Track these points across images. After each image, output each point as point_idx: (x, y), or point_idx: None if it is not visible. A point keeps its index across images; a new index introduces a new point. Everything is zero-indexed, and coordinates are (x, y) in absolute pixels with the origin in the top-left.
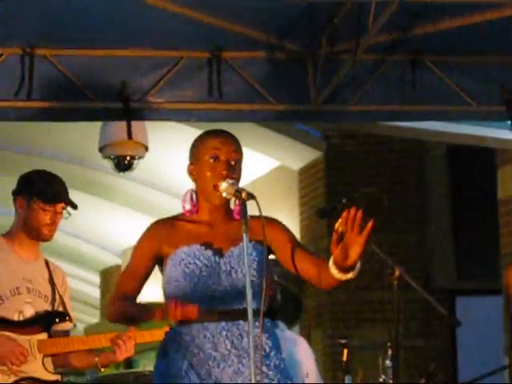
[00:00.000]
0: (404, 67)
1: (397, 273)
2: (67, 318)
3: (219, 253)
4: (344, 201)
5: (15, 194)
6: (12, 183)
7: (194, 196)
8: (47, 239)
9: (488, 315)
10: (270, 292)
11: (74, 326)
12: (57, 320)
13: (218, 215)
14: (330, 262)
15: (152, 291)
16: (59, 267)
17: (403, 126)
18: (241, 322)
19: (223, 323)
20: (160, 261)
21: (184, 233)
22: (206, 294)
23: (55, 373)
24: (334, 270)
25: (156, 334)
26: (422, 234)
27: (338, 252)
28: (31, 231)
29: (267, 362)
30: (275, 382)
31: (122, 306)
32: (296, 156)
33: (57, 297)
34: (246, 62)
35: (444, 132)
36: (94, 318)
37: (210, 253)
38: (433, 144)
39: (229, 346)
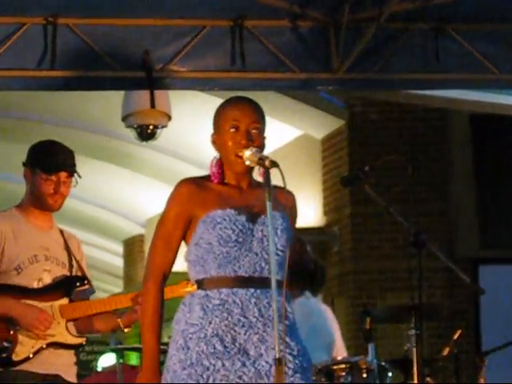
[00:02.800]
0: (427, 35)
1: (420, 240)
2: (86, 281)
3: (252, 219)
4: (367, 169)
5: (24, 164)
6: None
7: (219, 163)
8: (53, 209)
9: (511, 283)
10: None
11: (93, 292)
12: (77, 284)
13: (243, 183)
14: None
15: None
16: (74, 236)
17: (426, 94)
18: (270, 290)
19: (252, 290)
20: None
21: (215, 195)
22: (238, 259)
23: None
24: None
25: (176, 289)
26: (445, 202)
27: None
28: (37, 201)
29: (291, 332)
30: (295, 352)
31: (150, 301)
32: (319, 125)
33: (74, 263)
34: (268, 31)
35: (467, 100)
36: (117, 287)
37: (243, 218)
38: (456, 112)
39: (256, 314)
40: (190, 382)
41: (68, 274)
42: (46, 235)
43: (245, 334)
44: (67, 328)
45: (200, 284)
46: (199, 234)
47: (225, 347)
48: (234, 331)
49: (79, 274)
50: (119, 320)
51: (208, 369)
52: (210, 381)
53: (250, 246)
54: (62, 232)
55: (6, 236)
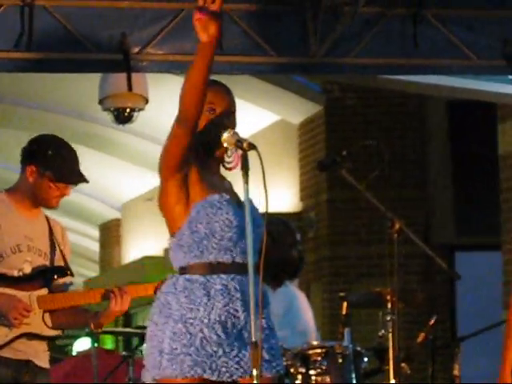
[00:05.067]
0: (405, 21)
1: (397, 226)
2: (68, 272)
3: (240, 205)
4: (344, 153)
5: (27, 159)
6: (8, 135)
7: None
8: (54, 208)
9: (487, 270)
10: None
11: (70, 284)
12: (56, 275)
13: (216, 168)
14: None
15: (149, 246)
16: (59, 222)
17: (403, 79)
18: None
19: (245, 276)
20: (184, 176)
21: (207, 179)
22: (235, 245)
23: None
24: None
25: (150, 288)
26: (422, 189)
27: None
28: (37, 199)
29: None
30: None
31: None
32: (296, 110)
33: (57, 252)
34: (246, 14)
35: (444, 86)
36: (93, 271)
37: (236, 205)
38: (433, 98)
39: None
40: (196, 368)
41: (49, 264)
42: (32, 224)
43: (244, 318)
44: (43, 319)
45: (192, 268)
46: (196, 218)
47: (226, 334)
48: (235, 317)
49: (61, 264)
50: (91, 321)
51: (211, 356)
52: (213, 367)
53: (242, 232)
54: (47, 219)
55: None
